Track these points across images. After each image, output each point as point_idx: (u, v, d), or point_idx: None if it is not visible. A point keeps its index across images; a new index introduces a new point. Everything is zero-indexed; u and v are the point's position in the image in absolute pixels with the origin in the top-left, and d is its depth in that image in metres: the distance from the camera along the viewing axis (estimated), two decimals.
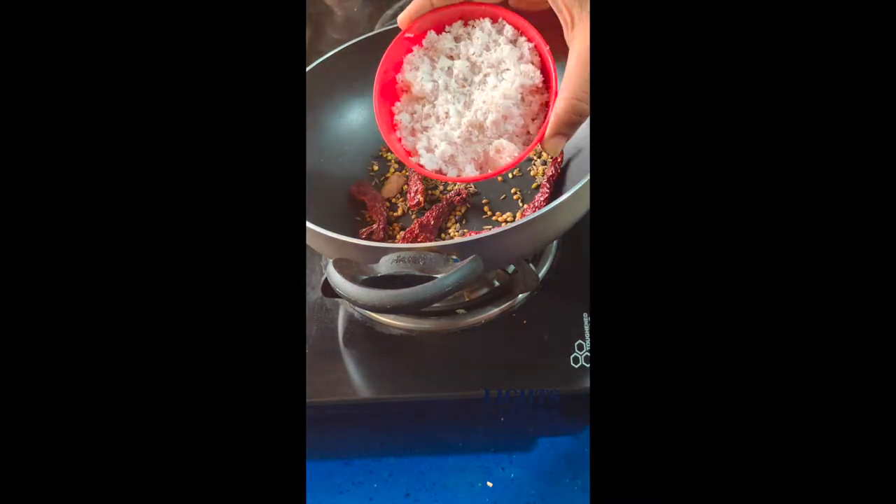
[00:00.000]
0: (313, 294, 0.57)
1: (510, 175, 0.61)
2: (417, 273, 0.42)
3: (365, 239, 0.50)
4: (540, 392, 0.49)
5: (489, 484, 0.49)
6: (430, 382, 0.51)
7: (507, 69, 0.47)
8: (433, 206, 0.59)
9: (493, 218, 0.59)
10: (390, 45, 0.48)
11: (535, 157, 0.62)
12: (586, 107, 0.42)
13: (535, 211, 0.52)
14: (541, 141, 0.45)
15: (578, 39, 0.42)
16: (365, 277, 0.43)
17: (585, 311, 0.53)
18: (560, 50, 0.45)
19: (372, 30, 0.69)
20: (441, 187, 0.62)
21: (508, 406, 0.50)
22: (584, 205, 0.48)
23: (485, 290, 0.55)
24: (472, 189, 0.61)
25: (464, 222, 0.59)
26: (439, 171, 0.48)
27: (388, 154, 0.64)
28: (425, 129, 0.49)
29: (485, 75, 0.48)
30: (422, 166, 0.48)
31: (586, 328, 0.52)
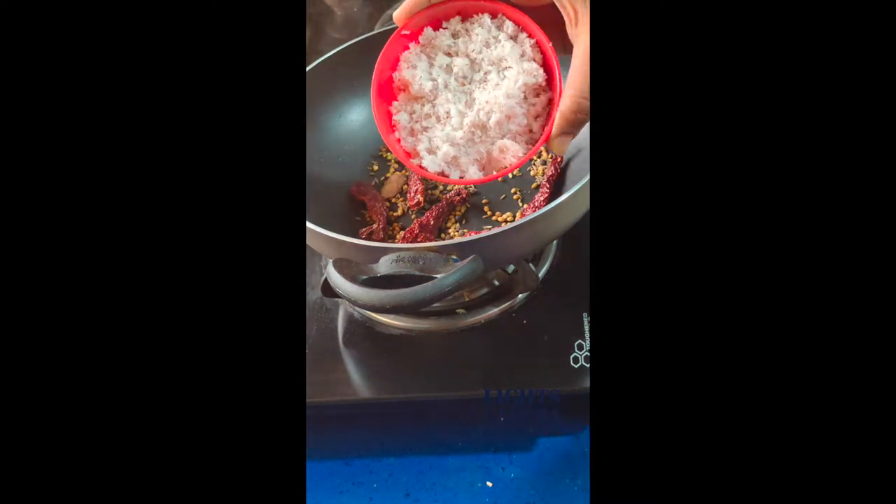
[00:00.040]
0: (313, 294, 0.57)
1: (510, 175, 0.61)
2: (417, 273, 0.42)
3: (365, 239, 0.50)
4: (540, 392, 0.49)
5: (489, 484, 0.49)
6: (430, 382, 0.51)
7: (509, 67, 0.46)
8: (433, 206, 0.59)
9: (493, 218, 0.59)
10: (387, 43, 0.47)
11: (535, 157, 0.62)
12: None
13: (535, 211, 0.52)
14: (546, 140, 0.44)
15: (583, 36, 0.41)
16: (365, 277, 0.43)
17: (585, 311, 0.53)
18: (562, 46, 0.44)
19: (372, 30, 0.69)
20: (441, 187, 0.62)
21: (508, 406, 0.50)
22: (584, 205, 0.48)
23: (485, 290, 0.55)
24: (472, 189, 0.61)
25: (464, 222, 0.59)
26: (441, 173, 0.47)
27: (388, 154, 0.64)
28: (425, 129, 0.48)
29: (485, 73, 0.47)
30: (424, 168, 0.47)
31: (586, 328, 0.52)
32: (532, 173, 0.61)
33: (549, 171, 0.59)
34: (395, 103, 0.48)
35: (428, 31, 0.47)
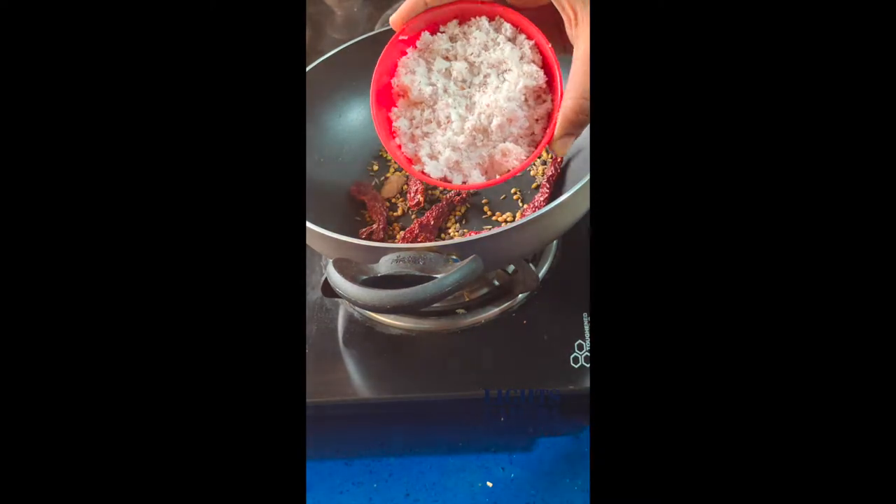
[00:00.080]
0: (313, 294, 0.57)
1: None
2: (417, 273, 0.42)
3: (365, 239, 0.50)
4: (540, 392, 0.49)
5: (489, 484, 0.49)
6: (430, 382, 0.51)
7: (509, 69, 0.46)
8: (433, 206, 0.59)
9: (493, 218, 0.59)
10: (384, 49, 0.47)
11: None
12: None
13: (535, 211, 0.52)
14: (549, 142, 0.44)
15: (583, 36, 0.41)
16: (365, 277, 0.43)
17: (585, 311, 0.53)
18: (561, 47, 0.44)
19: (372, 30, 0.69)
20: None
21: (508, 406, 0.50)
22: (584, 205, 0.48)
23: (485, 290, 0.55)
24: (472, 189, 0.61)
25: (464, 222, 0.59)
26: (444, 179, 0.46)
27: (388, 154, 0.64)
28: (426, 134, 0.47)
29: (485, 76, 0.47)
30: (426, 174, 0.46)
31: (586, 328, 0.52)
32: (532, 173, 0.61)
33: (549, 171, 0.59)
34: (394, 109, 0.48)
35: (425, 35, 0.47)
